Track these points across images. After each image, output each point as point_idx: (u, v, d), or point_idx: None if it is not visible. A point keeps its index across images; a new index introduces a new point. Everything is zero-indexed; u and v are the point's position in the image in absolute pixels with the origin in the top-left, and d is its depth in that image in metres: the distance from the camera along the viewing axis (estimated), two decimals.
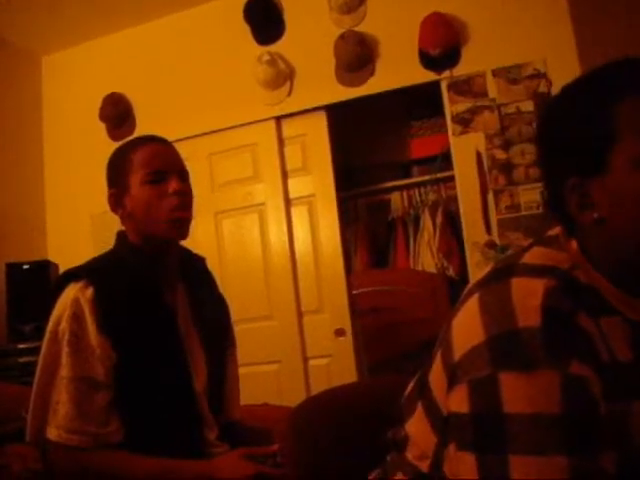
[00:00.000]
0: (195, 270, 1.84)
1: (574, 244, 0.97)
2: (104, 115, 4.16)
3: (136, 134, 3.87)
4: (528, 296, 0.86)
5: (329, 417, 1.36)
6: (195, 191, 1.74)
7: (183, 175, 1.69)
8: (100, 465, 1.49)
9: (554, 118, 0.99)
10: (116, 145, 1.78)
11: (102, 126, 4.20)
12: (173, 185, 1.63)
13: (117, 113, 4.13)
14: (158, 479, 1.48)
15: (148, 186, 1.63)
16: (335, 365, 3.68)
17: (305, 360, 3.76)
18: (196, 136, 3.97)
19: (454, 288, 4.12)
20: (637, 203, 0.88)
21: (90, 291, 1.54)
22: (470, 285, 0.99)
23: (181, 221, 1.64)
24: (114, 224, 1.77)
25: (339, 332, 3.69)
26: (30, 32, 4.15)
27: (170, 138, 1.78)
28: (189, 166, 1.77)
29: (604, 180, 0.90)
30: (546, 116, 1.01)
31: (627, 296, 0.93)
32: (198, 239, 3.78)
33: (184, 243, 1.76)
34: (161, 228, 1.63)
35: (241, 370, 1.95)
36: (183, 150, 1.80)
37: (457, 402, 0.90)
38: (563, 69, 3.20)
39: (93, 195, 3.80)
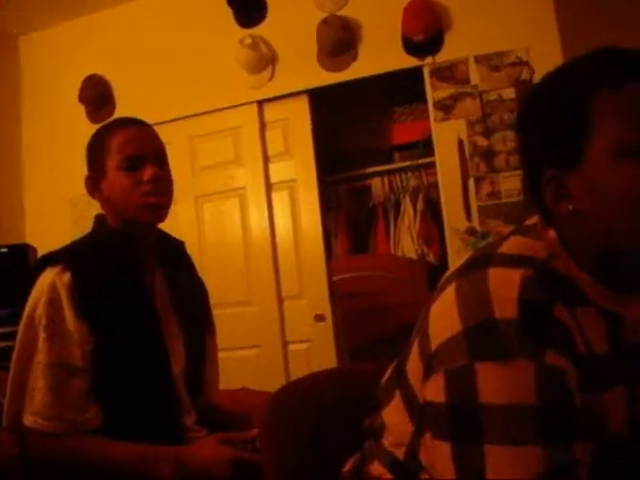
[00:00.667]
0: (174, 254, 1.83)
1: (552, 233, 0.97)
2: (84, 97, 4.11)
3: (116, 116, 3.83)
4: (505, 287, 0.86)
5: (309, 402, 1.36)
6: (175, 175, 1.73)
7: (160, 159, 1.67)
8: (77, 451, 1.48)
9: (533, 107, 0.98)
10: (96, 127, 1.76)
11: (81, 108, 4.16)
12: (148, 171, 1.61)
13: (97, 95, 4.09)
14: (135, 465, 1.47)
15: (123, 172, 1.61)
16: (315, 350, 3.69)
17: (285, 345, 3.77)
18: (177, 119, 3.94)
19: (434, 274, 4.13)
20: (612, 196, 0.87)
21: (67, 276, 1.53)
22: (448, 273, 0.99)
23: (155, 206, 1.63)
24: (94, 207, 1.75)
25: (319, 317, 3.70)
26: (7, 11, 4.08)
27: (151, 121, 1.76)
28: (170, 150, 1.75)
29: (580, 172, 0.90)
30: (526, 105, 1.01)
31: (603, 287, 0.94)
32: (178, 223, 3.75)
33: (164, 227, 1.75)
34: (137, 212, 1.61)
35: (220, 355, 1.95)
36: (164, 133, 1.78)
37: (433, 391, 0.90)
38: (545, 57, 3.20)
39: (72, 178, 3.75)
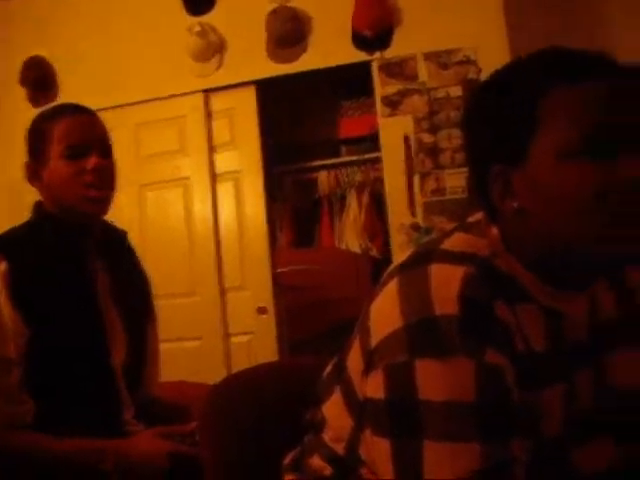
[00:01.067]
0: (116, 244, 1.80)
1: (495, 231, 0.98)
2: (24, 79, 3.99)
3: (59, 100, 3.74)
4: (446, 284, 0.86)
5: (249, 396, 1.35)
6: (119, 162, 1.69)
7: (105, 150, 1.64)
8: (14, 446, 1.44)
9: (481, 103, 0.98)
10: (37, 111, 1.71)
11: (22, 91, 4.03)
12: (91, 161, 1.57)
13: (38, 78, 3.97)
14: (74, 459, 1.44)
15: (66, 161, 1.57)
16: (256, 343, 3.68)
17: (226, 337, 3.75)
18: (122, 105, 3.86)
19: (377, 268, 4.15)
20: (553, 196, 0.88)
21: (3, 265, 1.48)
22: (391, 268, 0.99)
23: (97, 200, 1.59)
24: (32, 194, 1.70)
25: (261, 310, 3.68)
26: None
27: (94, 107, 1.72)
28: (113, 137, 1.71)
29: (524, 170, 0.90)
30: (474, 100, 1.01)
31: (544, 285, 0.94)
32: (121, 211, 3.64)
33: (107, 215, 1.71)
34: (78, 204, 1.58)
35: (161, 346, 1.92)
36: (108, 120, 1.74)
37: (373, 388, 0.90)
38: (493, 57, 3.23)
39: (10, 163, 3.65)
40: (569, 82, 0.87)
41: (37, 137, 1.62)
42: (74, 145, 1.58)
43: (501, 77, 0.97)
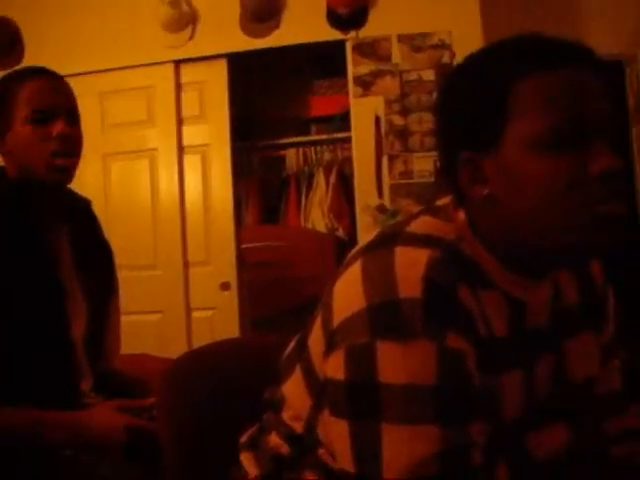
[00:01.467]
0: (79, 213, 1.77)
1: (462, 216, 0.97)
2: None
3: (23, 64, 3.65)
4: (411, 266, 0.86)
5: (209, 371, 1.34)
6: (83, 130, 1.66)
7: (72, 117, 1.60)
8: None
9: (454, 88, 0.97)
10: (1, 73, 1.66)
11: None
12: (58, 128, 1.54)
13: (4, 39, 3.88)
14: (26, 431, 1.42)
15: (31, 125, 1.53)
16: (219, 318, 3.67)
17: (188, 311, 3.73)
18: (88, 72, 3.77)
19: (342, 249, 4.16)
20: (523, 185, 0.88)
21: None
22: (356, 248, 0.98)
23: (61, 169, 1.56)
24: None
25: (225, 285, 3.67)
26: None
27: (61, 72, 1.67)
28: (80, 104, 1.67)
29: (496, 157, 0.90)
30: (447, 84, 1.00)
31: (508, 271, 0.95)
32: (84, 180, 3.60)
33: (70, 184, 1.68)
34: (40, 172, 1.54)
35: (122, 318, 1.90)
36: (74, 86, 1.69)
37: (333, 368, 0.89)
38: (467, 42, 3.23)
39: None
40: (543, 70, 0.87)
41: (1, 99, 1.58)
42: (40, 109, 1.54)
43: (475, 62, 0.96)
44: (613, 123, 0.89)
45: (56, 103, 1.56)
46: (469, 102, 0.92)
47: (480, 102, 0.91)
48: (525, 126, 0.87)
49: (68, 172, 1.59)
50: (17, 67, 1.75)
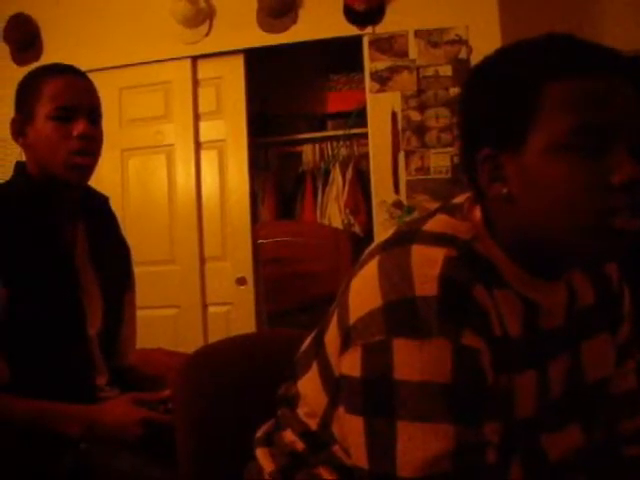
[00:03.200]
0: (97, 209, 1.78)
1: (478, 214, 0.97)
2: (9, 36, 3.92)
3: (43, 60, 3.67)
4: (427, 265, 0.86)
5: (225, 366, 1.35)
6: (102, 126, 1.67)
7: (94, 116, 1.61)
8: None
9: (479, 83, 0.96)
10: (20, 69, 1.67)
11: (6, 48, 3.96)
12: (79, 127, 1.55)
13: (23, 35, 3.90)
14: (44, 422, 1.44)
15: (53, 122, 1.54)
16: (235, 313, 3.68)
17: (204, 307, 3.74)
18: (107, 68, 3.78)
19: (359, 245, 4.15)
20: (544, 186, 0.87)
21: None
22: (372, 246, 0.98)
23: (80, 168, 1.57)
24: (14, 153, 1.67)
25: (240, 281, 3.68)
26: None
27: (79, 68, 1.68)
28: None
29: (519, 156, 0.89)
30: (471, 80, 0.99)
31: (523, 272, 0.95)
32: (102, 175, 3.63)
33: None
34: (59, 170, 1.55)
35: (139, 313, 1.92)
36: (93, 82, 1.71)
37: (349, 365, 0.90)
38: (484, 38, 3.23)
39: None
40: (576, 74, 0.86)
41: (26, 94, 1.59)
42: (64, 106, 1.55)
43: (505, 58, 0.94)
44: (639, 132, 0.88)
45: (79, 102, 1.57)
46: (495, 99, 0.91)
47: (508, 100, 0.90)
48: (551, 128, 0.86)
49: (87, 170, 1.60)
50: (36, 63, 1.76)
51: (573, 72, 0.86)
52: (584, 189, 0.85)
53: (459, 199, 1.03)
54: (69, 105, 1.55)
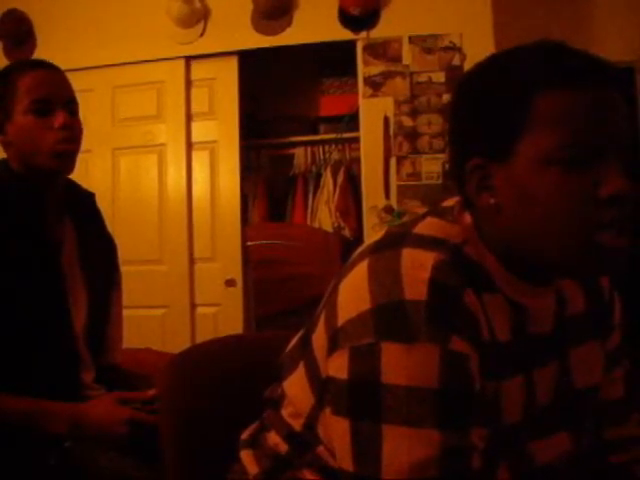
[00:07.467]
0: (83, 206, 1.77)
1: (468, 218, 0.97)
2: (2, 32, 3.90)
3: (36, 57, 3.65)
4: (417, 268, 0.86)
5: (212, 367, 1.34)
6: (94, 124, 1.67)
7: (71, 107, 1.61)
8: None
9: (471, 92, 0.95)
10: None
11: None
12: (60, 119, 1.54)
13: (16, 32, 3.88)
14: (29, 419, 1.43)
15: (32, 116, 1.54)
16: (223, 315, 3.67)
17: (193, 307, 3.73)
18: (100, 66, 3.78)
19: (348, 248, 4.15)
20: (532, 198, 0.87)
21: None
22: (362, 248, 0.98)
23: (66, 154, 1.57)
24: None
25: (230, 282, 3.67)
26: None
27: (73, 66, 1.69)
28: (90, 98, 1.69)
29: (507, 167, 0.88)
30: (462, 87, 0.98)
31: (512, 276, 0.94)
32: (93, 174, 3.64)
33: (77, 176, 1.69)
34: (44, 160, 1.55)
35: (126, 312, 1.91)
36: (85, 80, 1.72)
37: (336, 367, 0.89)
38: (478, 45, 3.24)
39: None
40: (569, 87, 0.85)
41: (1, 91, 1.58)
42: (40, 99, 1.55)
43: (495, 66, 0.94)
44: (629, 146, 0.88)
45: (56, 94, 1.57)
46: (485, 109, 0.91)
47: (497, 111, 0.89)
48: (540, 140, 0.86)
49: (71, 157, 1.60)
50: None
51: (564, 85, 0.86)
52: (572, 201, 0.85)
53: (449, 202, 1.02)
54: (46, 98, 1.55)
